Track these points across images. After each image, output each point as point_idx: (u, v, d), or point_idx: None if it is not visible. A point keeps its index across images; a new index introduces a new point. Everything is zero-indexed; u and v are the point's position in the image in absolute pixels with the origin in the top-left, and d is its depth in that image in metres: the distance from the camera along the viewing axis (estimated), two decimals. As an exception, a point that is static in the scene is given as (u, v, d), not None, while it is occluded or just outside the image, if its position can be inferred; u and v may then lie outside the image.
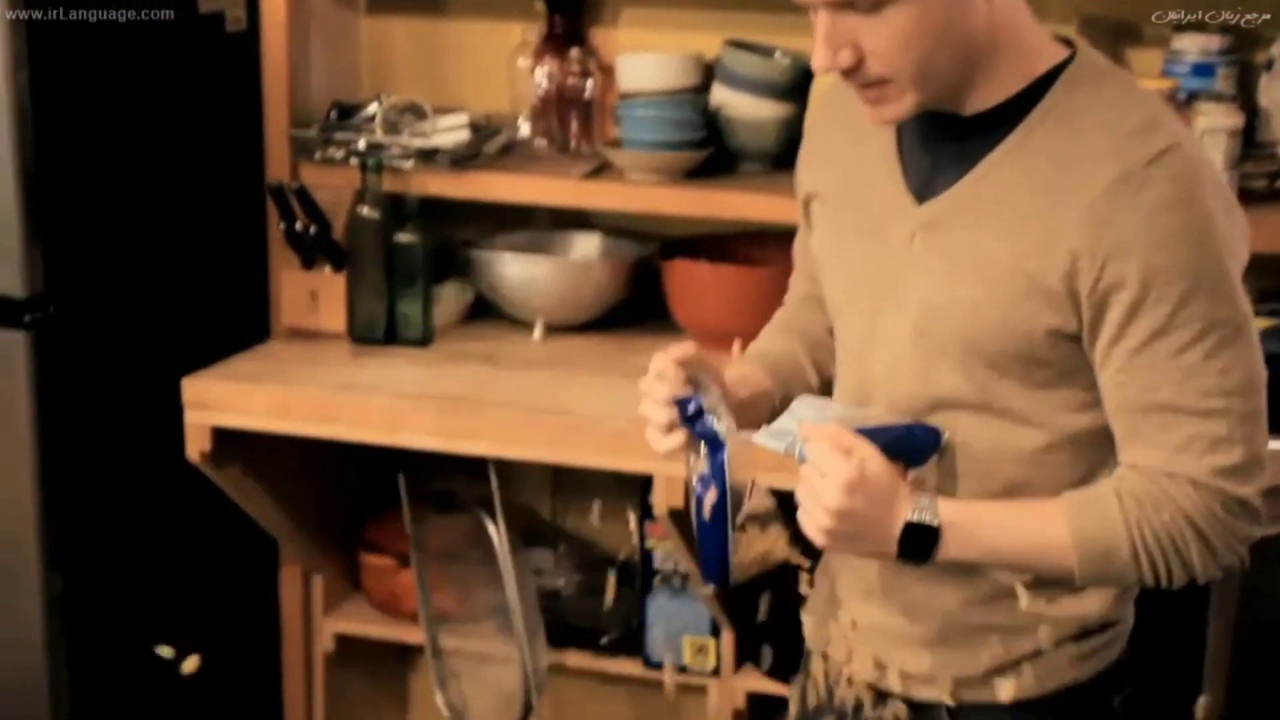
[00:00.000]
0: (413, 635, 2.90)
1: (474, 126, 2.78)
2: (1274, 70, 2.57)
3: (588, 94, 2.81)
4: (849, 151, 1.68)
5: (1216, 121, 2.44)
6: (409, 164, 2.72)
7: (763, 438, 1.59)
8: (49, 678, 2.61)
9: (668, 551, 2.71)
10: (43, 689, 2.61)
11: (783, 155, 2.72)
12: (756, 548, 1.60)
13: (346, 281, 2.77)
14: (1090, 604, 1.63)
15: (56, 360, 2.54)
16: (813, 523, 1.50)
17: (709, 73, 2.76)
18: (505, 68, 2.90)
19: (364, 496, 3.02)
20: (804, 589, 1.76)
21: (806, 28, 1.55)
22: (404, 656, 3.19)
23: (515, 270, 2.80)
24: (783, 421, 1.59)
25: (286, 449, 2.68)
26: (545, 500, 3.07)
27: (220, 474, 2.67)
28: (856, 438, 1.51)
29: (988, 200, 1.55)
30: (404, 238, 2.74)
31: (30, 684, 2.61)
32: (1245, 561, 1.54)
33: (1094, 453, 1.59)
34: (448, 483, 2.88)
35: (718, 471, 1.58)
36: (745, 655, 2.71)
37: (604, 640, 2.81)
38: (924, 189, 1.60)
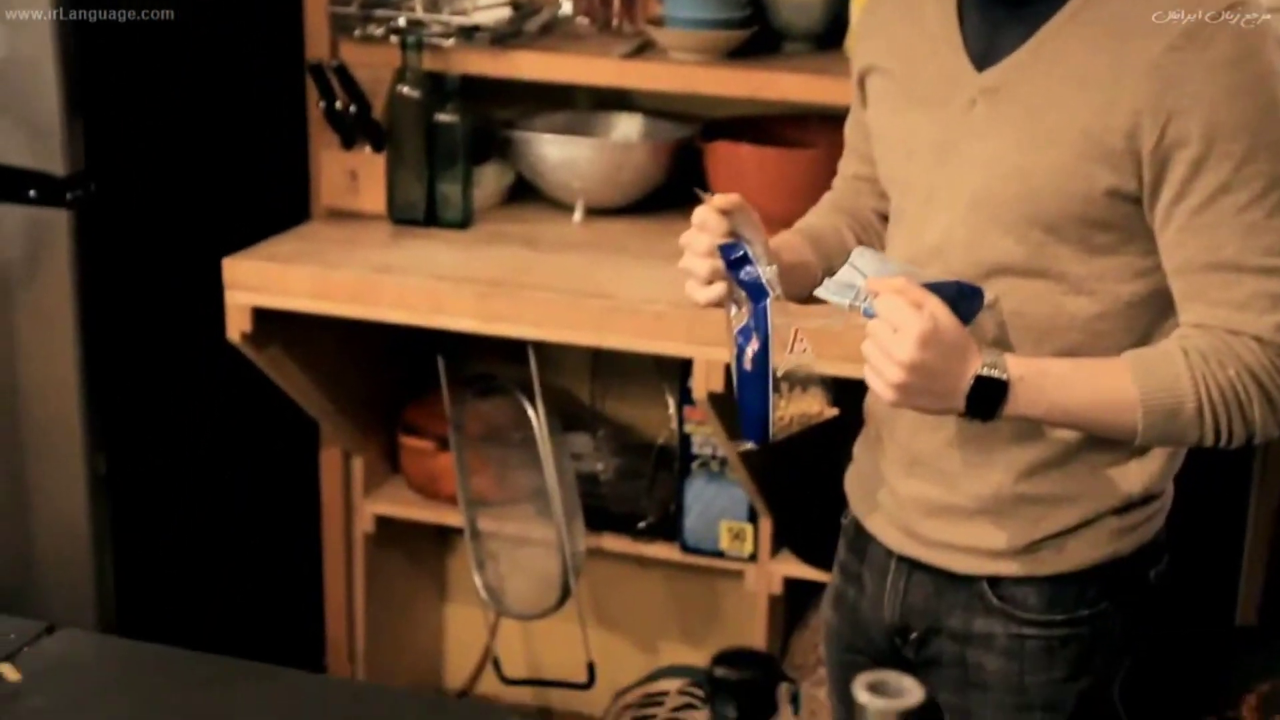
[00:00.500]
0: (452, 517, 2.91)
1: (515, 4, 2.75)
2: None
3: (631, -30, 2.77)
4: (907, 22, 1.66)
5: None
6: (449, 41, 2.70)
7: (826, 292, 1.55)
8: (93, 557, 2.63)
9: (706, 436, 2.70)
10: (87, 568, 2.64)
11: (826, 35, 2.69)
12: (796, 406, 1.57)
13: (386, 161, 2.75)
14: (1133, 477, 1.63)
15: (98, 239, 2.53)
16: (883, 378, 1.48)
17: (755, -51, 2.71)
18: (547, -57, 2.87)
19: (404, 379, 3.02)
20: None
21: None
22: (443, 538, 3.21)
23: (555, 151, 2.78)
24: (845, 274, 1.55)
25: (327, 330, 2.68)
26: (584, 384, 3.07)
27: (261, 355, 2.67)
28: (924, 291, 1.48)
29: (1049, 64, 1.53)
30: (444, 117, 2.71)
31: (75, 562, 2.64)
32: None
33: (1147, 320, 1.58)
34: (487, 366, 2.88)
35: (761, 319, 1.55)
36: (782, 540, 2.72)
37: (641, 525, 2.82)
38: (984, 56, 1.59)
